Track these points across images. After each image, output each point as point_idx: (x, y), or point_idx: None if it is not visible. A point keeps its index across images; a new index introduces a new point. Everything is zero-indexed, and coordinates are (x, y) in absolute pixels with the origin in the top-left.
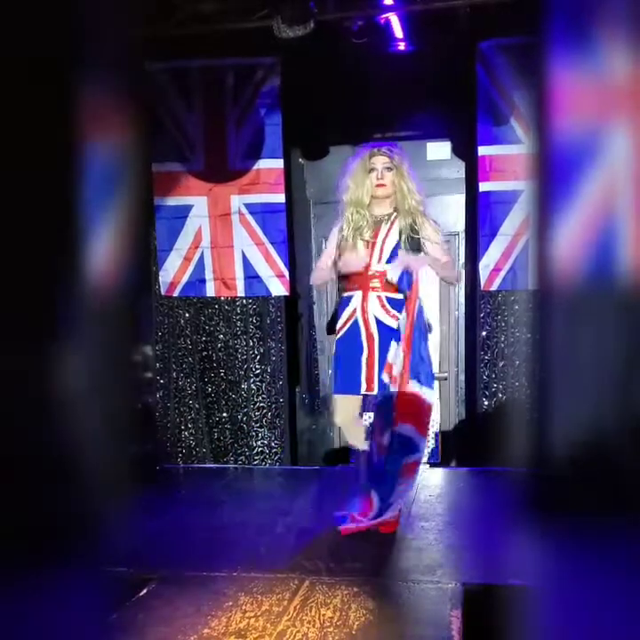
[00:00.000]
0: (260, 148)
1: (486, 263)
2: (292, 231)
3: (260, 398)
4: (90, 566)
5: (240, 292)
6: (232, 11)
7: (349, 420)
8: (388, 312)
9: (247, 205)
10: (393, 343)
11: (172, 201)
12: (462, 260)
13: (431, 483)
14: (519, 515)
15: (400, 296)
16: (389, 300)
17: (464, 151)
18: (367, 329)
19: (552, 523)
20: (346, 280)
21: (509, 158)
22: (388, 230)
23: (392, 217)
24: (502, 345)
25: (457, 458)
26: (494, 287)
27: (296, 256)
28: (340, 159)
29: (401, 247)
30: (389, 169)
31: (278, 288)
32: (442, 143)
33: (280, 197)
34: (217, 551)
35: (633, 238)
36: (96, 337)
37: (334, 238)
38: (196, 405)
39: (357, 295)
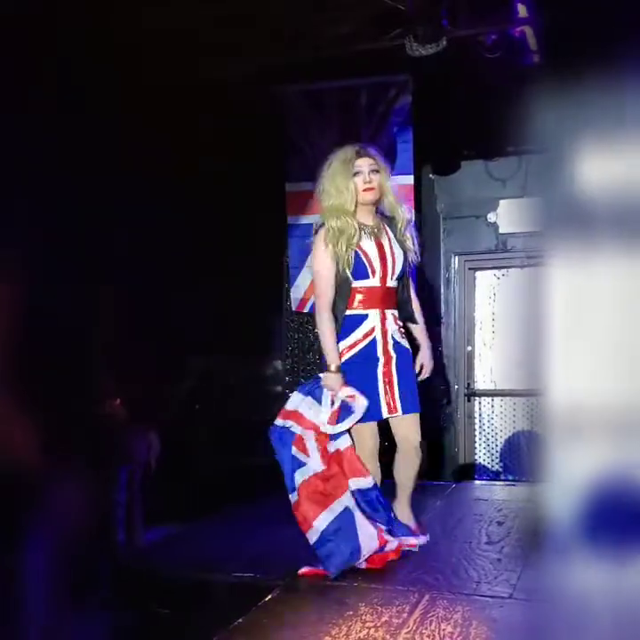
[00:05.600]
0: (391, 164)
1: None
2: (422, 246)
3: None
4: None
5: None
6: (366, 32)
7: (375, 450)
8: (399, 329)
9: None
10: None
11: (305, 219)
12: None
13: (560, 501)
14: None
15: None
16: (396, 316)
17: None
18: (385, 349)
19: None
20: (348, 295)
21: None
22: (390, 241)
23: (382, 226)
24: None
25: None
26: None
27: (424, 270)
28: (472, 173)
29: (404, 264)
30: (376, 171)
31: None
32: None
33: None
34: None
35: None
36: (237, 351)
37: (325, 258)
38: None
39: (374, 313)
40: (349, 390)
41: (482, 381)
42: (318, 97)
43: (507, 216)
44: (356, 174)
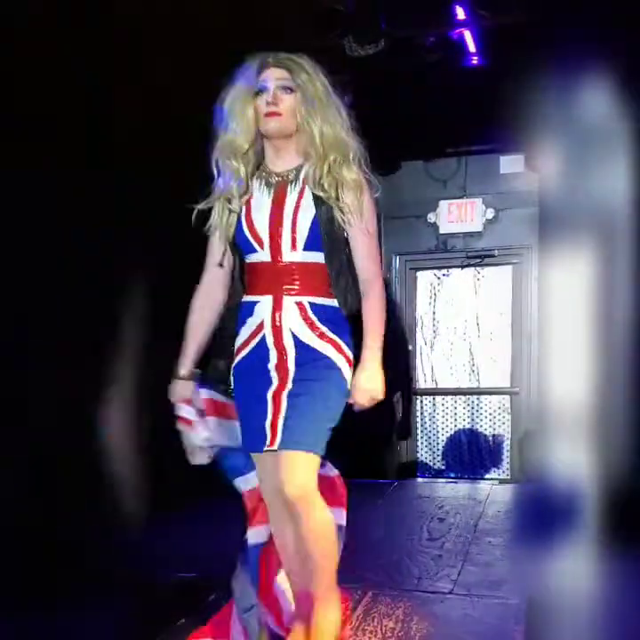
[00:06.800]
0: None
1: None
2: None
3: None
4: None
5: None
6: (306, 32)
7: (274, 494)
8: (312, 327)
9: None
10: None
11: None
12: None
13: (500, 498)
14: (586, 531)
15: (333, 302)
16: (315, 307)
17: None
18: (280, 351)
19: (622, 540)
20: (245, 272)
21: None
22: (300, 196)
23: (301, 173)
24: None
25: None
26: None
27: None
28: (412, 174)
29: (321, 227)
30: (289, 90)
31: None
32: (515, 157)
33: None
34: None
35: None
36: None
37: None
38: None
39: (265, 301)
40: (185, 410)
41: (423, 380)
42: None
43: (447, 216)
44: (258, 93)
